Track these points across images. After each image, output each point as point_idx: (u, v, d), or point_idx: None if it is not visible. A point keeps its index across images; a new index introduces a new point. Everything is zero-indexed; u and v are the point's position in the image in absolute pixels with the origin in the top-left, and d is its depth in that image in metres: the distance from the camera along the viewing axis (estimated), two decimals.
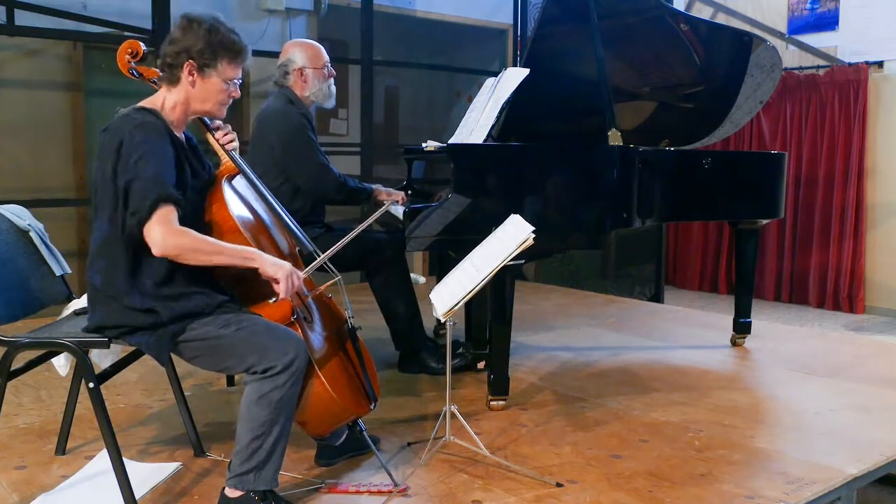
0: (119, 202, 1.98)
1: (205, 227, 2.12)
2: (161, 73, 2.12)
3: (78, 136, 5.37)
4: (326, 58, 3.33)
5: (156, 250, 1.95)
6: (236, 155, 2.30)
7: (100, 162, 2.03)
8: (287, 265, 2.08)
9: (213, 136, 2.29)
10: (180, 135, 2.15)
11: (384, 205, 3.39)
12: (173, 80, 2.10)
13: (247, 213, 2.25)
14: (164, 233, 1.93)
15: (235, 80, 2.14)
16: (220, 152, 2.30)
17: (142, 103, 2.10)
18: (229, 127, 2.33)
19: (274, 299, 2.10)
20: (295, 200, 3.16)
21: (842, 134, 6.81)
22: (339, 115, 7.42)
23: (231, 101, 2.17)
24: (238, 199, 2.26)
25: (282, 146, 3.16)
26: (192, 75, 2.08)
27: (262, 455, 1.99)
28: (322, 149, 3.29)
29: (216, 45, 2.07)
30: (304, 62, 3.26)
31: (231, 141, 2.31)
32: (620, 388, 3.24)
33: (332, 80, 3.35)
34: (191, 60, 2.06)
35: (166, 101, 2.11)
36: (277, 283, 2.05)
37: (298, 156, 3.17)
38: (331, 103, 3.38)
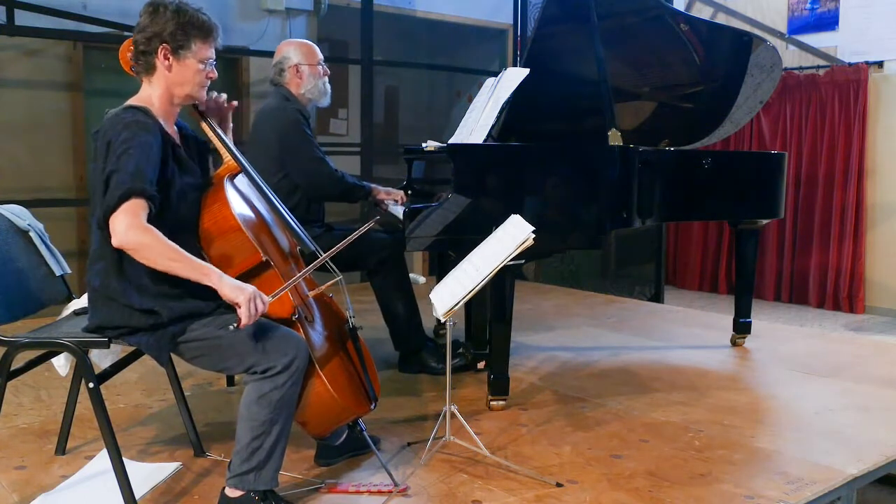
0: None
1: (204, 226, 2.12)
2: (136, 63, 2.09)
3: (78, 136, 5.37)
4: (321, 56, 3.35)
5: (115, 240, 1.90)
6: (237, 152, 2.29)
7: (94, 164, 2.03)
8: (250, 288, 1.94)
9: (210, 127, 2.27)
10: (172, 128, 2.14)
11: (384, 204, 3.41)
12: (149, 69, 2.08)
13: (248, 212, 2.25)
14: (127, 224, 1.88)
15: (211, 61, 2.13)
16: (220, 147, 2.28)
17: (130, 101, 2.09)
18: (222, 96, 2.31)
19: (233, 326, 1.92)
20: (293, 196, 3.17)
21: (842, 134, 6.81)
22: (339, 115, 7.42)
23: (209, 82, 2.15)
24: (240, 197, 2.25)
25: (278, 141, 3.18)
26: (168, 59, 2.06)
27: (262, 455, 1.99)
28: (322, 147, 3.30)
29: (186, 25, 2.06)
30: (300, 59, 3.28)
31: (223, 101, 2.29)
32: (620, 388, 3.24)
33: (326, 78, 3.36)
34: (164, 45, 2.05)
35: (152, 96, 2.10)
36: (239, 307, 1.91)
37: (294, 150, 3.19)
38: (326, 101, 3.39)
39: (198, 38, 2.08)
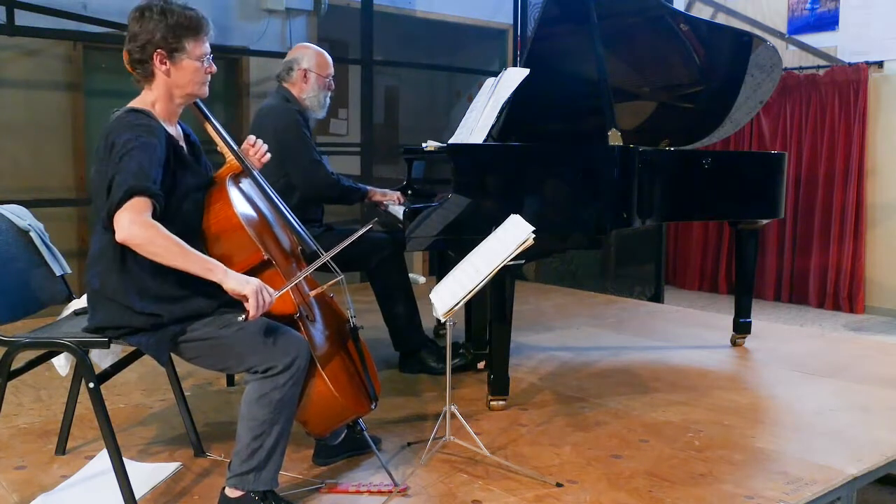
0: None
1: (207, 225, 2.12)
2: (134, 72, 2.08)
3: (78, 136, 5.37)
4: (332, 70, 3.39)
5: (119, 235, 1.90)
6: (241, 153, 2.30)
7: (96, 165, 2.02)
8: (255, 281, 1.95)
9: (213, 127, 2.27)
10: (175, 128, 2.14)
11: (382, 204, 3.42)
12: (148, 75, 2.07)
13: (251, 212, 2.25)
14: (131, 220, 1.88)
15: (207, 56, 2.11)
16: (223, 148, 2.29)
17: (133, 104, 2.09)
18: (260, 141, 2.34)
19: (242, 317, 1.93)
20: (291, 197, 3.17)
21: (842, 134, 6.81)
22: (339, 115, 7.42)
23: (209, 77, 2.14)
24: (242, 196, 2.26)
25: (277, 141, 3.17)
26: (165, 64, 2.05)
27: (262, 455, 1.99)
28: (320, 148, 3.32)
29: (175, 27, 2.03)
30: (311, 65, 3.31)
31: (262, 155, 2.34)
32: (620, 388, 3.24)
33: (329, 92, 3.39)
34: (158, 50, 2.03)
35: (154, 99, 2.09)
36: (246, 300, 1.93)
37: (291, 151, 3.20)
38: (321, 114, 3.42)
39: (189, 37, 2.06)
